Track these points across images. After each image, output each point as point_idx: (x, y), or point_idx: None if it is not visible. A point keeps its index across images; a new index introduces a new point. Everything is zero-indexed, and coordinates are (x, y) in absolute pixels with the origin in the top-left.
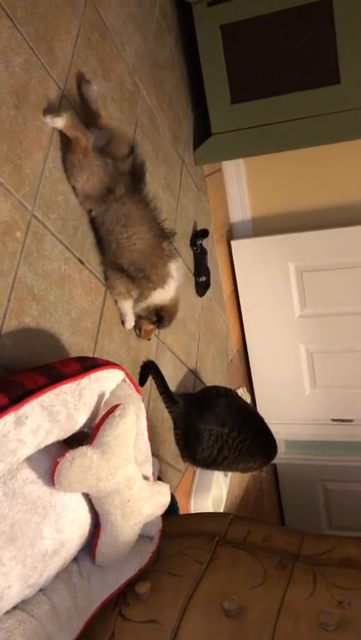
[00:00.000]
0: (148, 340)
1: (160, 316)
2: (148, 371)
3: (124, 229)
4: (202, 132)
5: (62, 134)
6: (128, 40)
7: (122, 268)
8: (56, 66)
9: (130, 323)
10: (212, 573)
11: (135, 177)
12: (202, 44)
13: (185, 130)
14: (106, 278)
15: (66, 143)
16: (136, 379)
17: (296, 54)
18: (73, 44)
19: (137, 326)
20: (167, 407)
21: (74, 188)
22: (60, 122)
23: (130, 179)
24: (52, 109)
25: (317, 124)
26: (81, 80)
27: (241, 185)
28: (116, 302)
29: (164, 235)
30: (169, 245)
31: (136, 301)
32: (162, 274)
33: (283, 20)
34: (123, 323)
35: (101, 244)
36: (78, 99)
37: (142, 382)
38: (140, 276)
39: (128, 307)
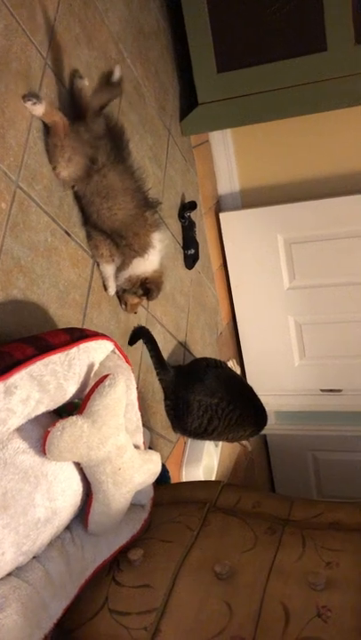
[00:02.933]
0: (135, 313)
1: (147, 289)
2: (140, 336)
3: (104, 201)
4: (188, 101)
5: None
6: (112, 7)
7: (105, 233)
8: (38, 32)
9: (112, 288)
10: (204, 539)
11: (116, 142)
12: (187, 11)
13: (171, 100)
14: (89, 237)
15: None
16: (126, 350)
17: (283, 21)
18: (55, 10)
19: (122, 300)
20: (158, 374)
21: (57, 173)
22: (39, 109)
23: (110, 145)
24: (31, 94)
25: (305, 92)
26: (74, 75)
27: (229, 156)
28: (98, 265)
29: (148, 204)
30: (153, 215)
31: (119, 270)
32: (143, 243)
33: None
34: (105, 288)
35: (84, 214)
36: (64, 82)
37: (131, 343)
38: (124, 244)
39: (110, 271)
